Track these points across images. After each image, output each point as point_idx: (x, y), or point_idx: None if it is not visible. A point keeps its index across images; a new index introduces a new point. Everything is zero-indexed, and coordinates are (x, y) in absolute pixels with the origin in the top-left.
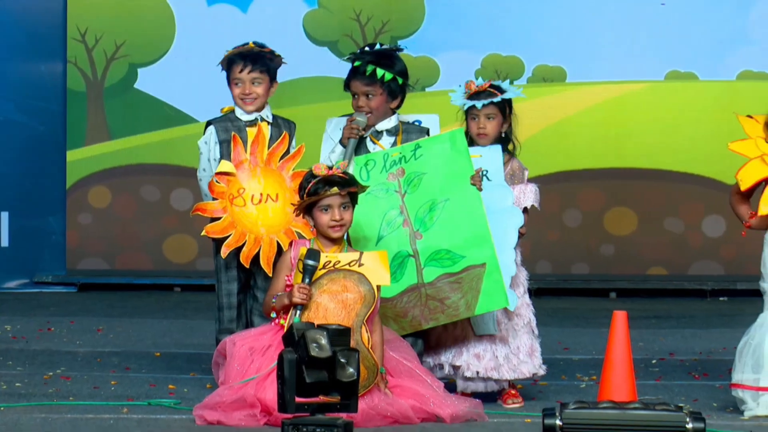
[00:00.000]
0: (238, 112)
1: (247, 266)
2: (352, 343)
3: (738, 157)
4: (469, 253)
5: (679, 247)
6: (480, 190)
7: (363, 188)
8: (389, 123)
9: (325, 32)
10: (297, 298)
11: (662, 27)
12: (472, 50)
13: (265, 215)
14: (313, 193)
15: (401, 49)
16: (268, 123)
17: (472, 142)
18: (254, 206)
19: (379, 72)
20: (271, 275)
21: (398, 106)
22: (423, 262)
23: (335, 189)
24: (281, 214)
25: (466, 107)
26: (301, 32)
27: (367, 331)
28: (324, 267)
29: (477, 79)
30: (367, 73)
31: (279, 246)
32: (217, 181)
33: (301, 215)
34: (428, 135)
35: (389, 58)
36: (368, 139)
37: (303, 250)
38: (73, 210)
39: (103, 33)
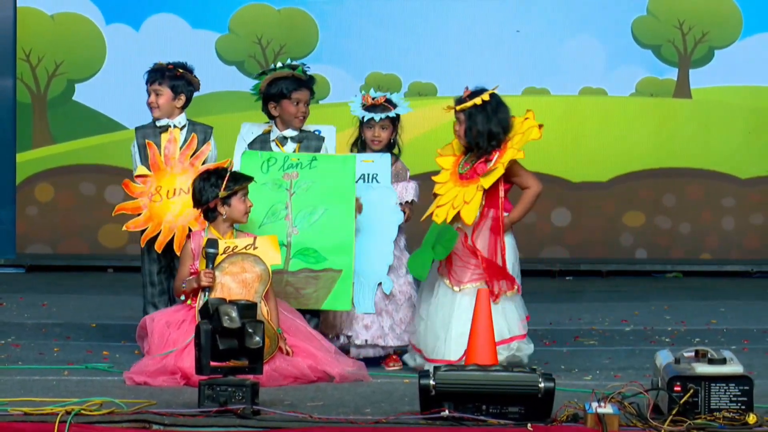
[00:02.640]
0: (156, 120)
1: (159, 252)
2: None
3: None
4: (332, 257)
5: (532, 234)
6: (359, 213)
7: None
8: (294, 131)
9: (234, 54)
10: (204, 281)
11: (519, 50)
12: (358, 69)
13: (178, 206)
14: (240, 183)
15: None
16: (180, 128)
17: (365, 147)
18: (168, 200)
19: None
20: None
21: None
22: (292, 253)
23: (251, 180)
24: (191, 204)
25: (366, 119)
26: (214, 54)
27: (265, 305)
28: (224, 252)
29: (371, 91)
30: (312, 85)
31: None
32: (135, 182)
33: (217, 205)
34: (324, 143)
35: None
36: (273, 143)
37: (204, 240)
38: (21, 203)
39: (45, 54)
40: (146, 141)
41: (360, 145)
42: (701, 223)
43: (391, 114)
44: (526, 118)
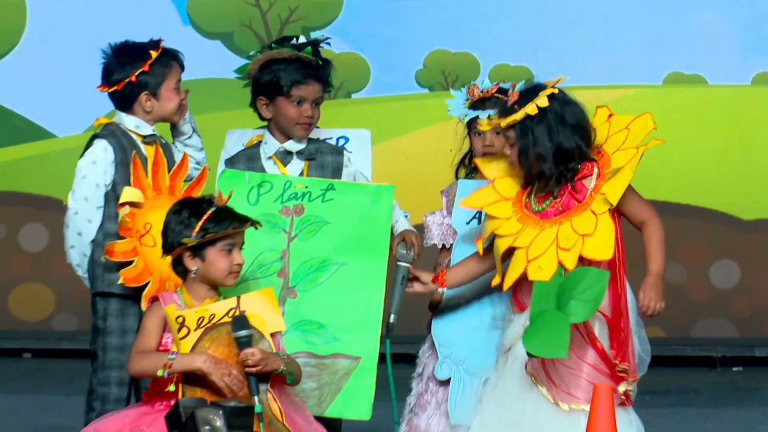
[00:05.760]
0: (133, 125)
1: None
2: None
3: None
4: (346, 338)
5: (680, 301)
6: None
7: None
8: (302, 143)
9: (217, 22)
10: (220, 380)
11: (660, 19)
12: (412, 46)
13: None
14: (224, 226)
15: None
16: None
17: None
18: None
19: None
20: None
21: None
22: (287, 327)
23: (249, 225)
24: None
25: (468, 119)
26: (184, 22)
27: (275, 401)
28: (198, 326)
29: (483, 82)
30: (327, 75)
31: None
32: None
33: (184, 256)
34: (343, 158)
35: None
36: (270, 161)
37: (171, 311)
38: None
39: None
40: (133, 153)
41: (471, 163)
42: None
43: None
44: (611, 115)
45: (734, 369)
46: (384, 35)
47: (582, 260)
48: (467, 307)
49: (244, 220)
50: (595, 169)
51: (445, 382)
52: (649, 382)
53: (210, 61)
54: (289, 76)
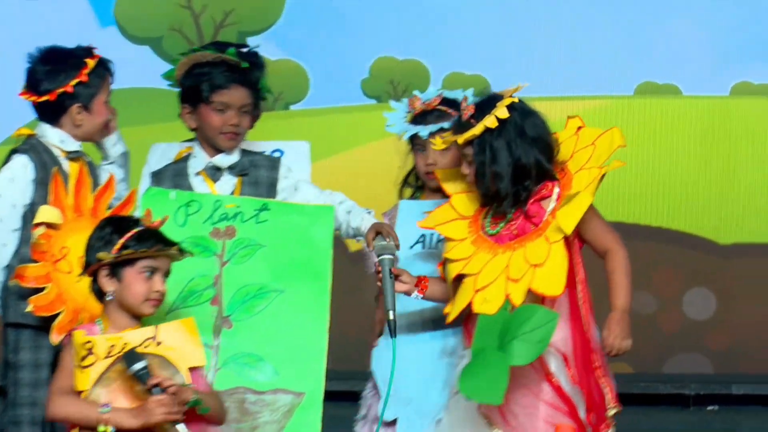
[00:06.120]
0: (57, 139)
1: (55, 343)
2: None
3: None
4: (287, 372)
5: (651, 333)
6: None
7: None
8: (233, 156)
9: (144, 26)
10: (158, 415)
11: (630, 25)
12: (356, 53)
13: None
14: (145, 245)
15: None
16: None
17: (423, 186)
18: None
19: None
20: None
21: None
22: (222, 360)
23: (175, 249)
24: None
25: (408, 135)
26: (102, 23)
27: None
28: (108, 355)
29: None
30: (255, 80)
31: None
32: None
33: (101, 275)
34: (280, 170)
35: (258, 58)
36: (199, 177)
37: (78, 336)
38: None
39: None
40: (54, 170)
41: (417, 181)
42: None
43: (446, 125)
44: (581, 128)
45: (709, 408)
46: (326, 41)
47: (532, 293)
48: (414, 339)
49: (169, 244)
50: (556, 190)
51: (392, 423)
52: (615, 423)
53: (135, 69)
54: (209, 81)
